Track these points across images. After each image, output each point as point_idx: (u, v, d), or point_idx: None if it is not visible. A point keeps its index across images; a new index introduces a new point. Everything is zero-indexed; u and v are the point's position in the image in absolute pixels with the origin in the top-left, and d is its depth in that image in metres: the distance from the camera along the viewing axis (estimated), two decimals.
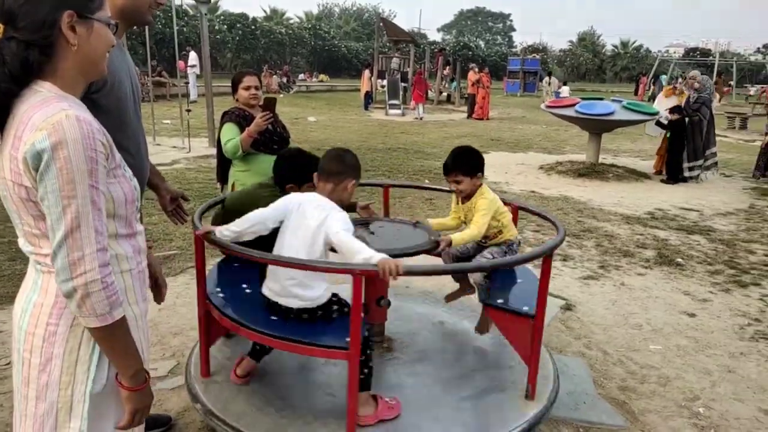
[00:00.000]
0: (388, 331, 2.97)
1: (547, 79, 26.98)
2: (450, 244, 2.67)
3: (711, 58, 42.32)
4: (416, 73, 20.75)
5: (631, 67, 59.24)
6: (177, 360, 3.09)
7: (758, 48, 68.05)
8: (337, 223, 2.11)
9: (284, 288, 2.22)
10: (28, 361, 1.26)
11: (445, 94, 25.26)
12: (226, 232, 2.19)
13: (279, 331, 2.14)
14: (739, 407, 2.86)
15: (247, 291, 2.53)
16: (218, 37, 38.96)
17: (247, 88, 3.52)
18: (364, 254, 1.96)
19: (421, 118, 17.74)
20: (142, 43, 11.00)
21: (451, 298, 3.20)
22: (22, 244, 1.30)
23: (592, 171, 8.99)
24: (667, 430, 2.65)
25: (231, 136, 3.41)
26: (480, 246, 2.93)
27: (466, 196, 2.84)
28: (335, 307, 2.30)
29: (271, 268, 2.26)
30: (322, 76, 36.30)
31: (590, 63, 63.31)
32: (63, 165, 1.13)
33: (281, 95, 24.31)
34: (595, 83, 56.39)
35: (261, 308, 2.29)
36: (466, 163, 2.78)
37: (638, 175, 9.06)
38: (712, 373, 3.18)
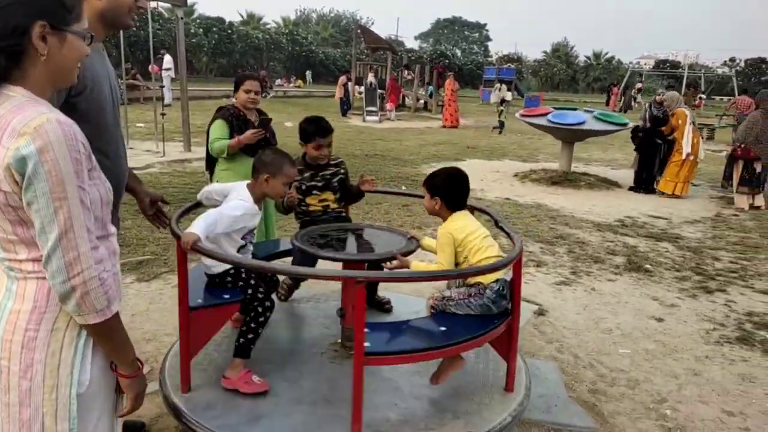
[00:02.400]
0: None
1: (497, 85, 29.44)
2: (407, 267, 2.48)
3: (680, 70, 43.58)
4: (390, 79, 20.97)
5: (603, 78, 60.51)
6: (150, 366, 3.05)
7: (725, 61, 70.21)
8: (208, 211, 2.34)
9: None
10: (7, 369, 1.25)
11: (422, 101, 25.44)
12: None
13: None
14: (704, 409, 2.96)
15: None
16: (194, 40, 38.64)
17: (248, 92, 3.65)
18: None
19: (391, 119, 19.17)
20: (115, 46, 10.89)
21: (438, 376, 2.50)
22: None
23: (565, 179, 9.16)
24: None
25: (219, 135, 3.56)
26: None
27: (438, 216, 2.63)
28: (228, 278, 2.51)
29: None
30: (299, 81, 36.17)
31: (564, 73, 64.51)
32: (51, 168, 1.13)
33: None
34: (568, 93, 57.45)
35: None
36: (430, 180, 2.60)
37: (609, 184, 9.26)
38: (679, 376, 3.28)
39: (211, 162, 3.79)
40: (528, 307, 4.07)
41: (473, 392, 2.52)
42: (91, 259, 1.20)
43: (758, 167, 7.84)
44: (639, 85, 33.71)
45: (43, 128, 1.13)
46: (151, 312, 3.71)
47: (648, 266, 5.18)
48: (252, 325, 2.41)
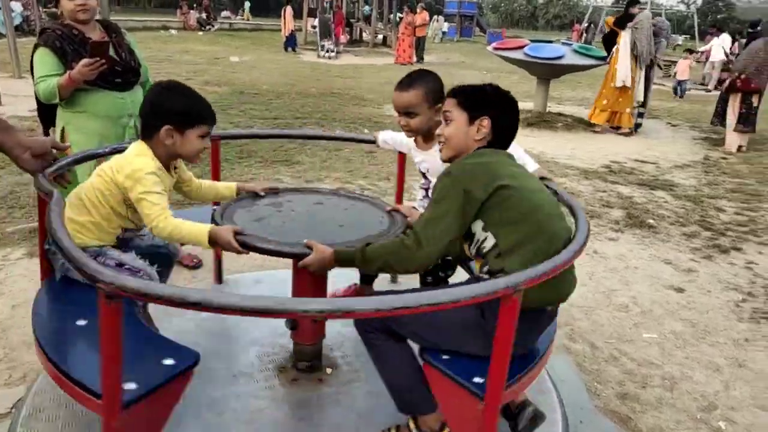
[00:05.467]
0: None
1: (436, 17, 30.05)
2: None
3: (641, 5, 42.85)
4: (337, 10, 19.88)
5: (563, 14, 59.37)
6: (28, 386, 2.17)
7: (680, 0, 69.90)
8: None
9: None
10: None
11: (380, 36, 23.97)
12: None
13: None
14: (765, 417, 2.32)
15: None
16: None
17: None
18: None
19: (340, 51, 18.23)
20: None
21: None
22: None
23: (541, 120, 8.40)
24: None
25: (46, 71, 2.46)
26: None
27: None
28: None
29: None
30: (247, 14, 33.52)
31: (524, 10, 62.97)
32: None
33: (200, 33, 22.19)
34: (528, 30, 56.10)
35: None
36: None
37: (586, 125, 8.55)
38: (722, 369, 2.63)
39: (45, 106, 2.62)
40: None
41: None
42: None
43: (755, 101, 7.21)
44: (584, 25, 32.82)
45: None
46: None
47: (651, 221, 4.52)
48: None
